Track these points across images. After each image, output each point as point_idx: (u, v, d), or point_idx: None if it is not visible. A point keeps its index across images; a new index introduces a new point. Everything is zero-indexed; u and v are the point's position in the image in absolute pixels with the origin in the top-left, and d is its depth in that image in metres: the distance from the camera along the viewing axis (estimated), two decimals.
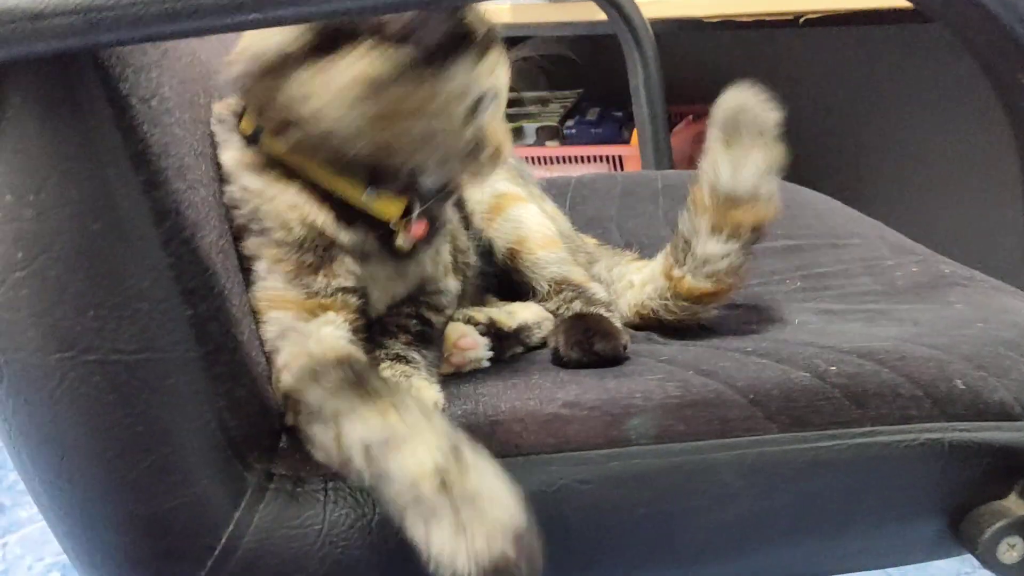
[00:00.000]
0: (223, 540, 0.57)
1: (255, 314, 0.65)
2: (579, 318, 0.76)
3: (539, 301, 0.84)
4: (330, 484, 0.59)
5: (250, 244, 0.65)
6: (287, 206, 0.64)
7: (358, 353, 0.64)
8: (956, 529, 0.65)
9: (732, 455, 0.62)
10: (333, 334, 0.65)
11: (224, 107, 0.68)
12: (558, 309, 0.82)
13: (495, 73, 0.67)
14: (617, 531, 0.61)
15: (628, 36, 1.45)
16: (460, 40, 0.62)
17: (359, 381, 0.56)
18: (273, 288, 0.65)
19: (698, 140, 1.90)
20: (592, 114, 1.90)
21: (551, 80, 2.03)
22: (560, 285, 0.84)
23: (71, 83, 0.52)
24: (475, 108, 0.65)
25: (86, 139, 0.53)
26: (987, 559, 0.63)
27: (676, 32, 1.68)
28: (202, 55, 0.73)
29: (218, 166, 0.65)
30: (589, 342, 0.71)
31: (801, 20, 1.54)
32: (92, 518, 0.57)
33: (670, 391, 0.65)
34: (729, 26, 1.65)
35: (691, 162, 1.89)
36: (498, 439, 0.61)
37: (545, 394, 0.66)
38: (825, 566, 0.71)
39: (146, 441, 0.55)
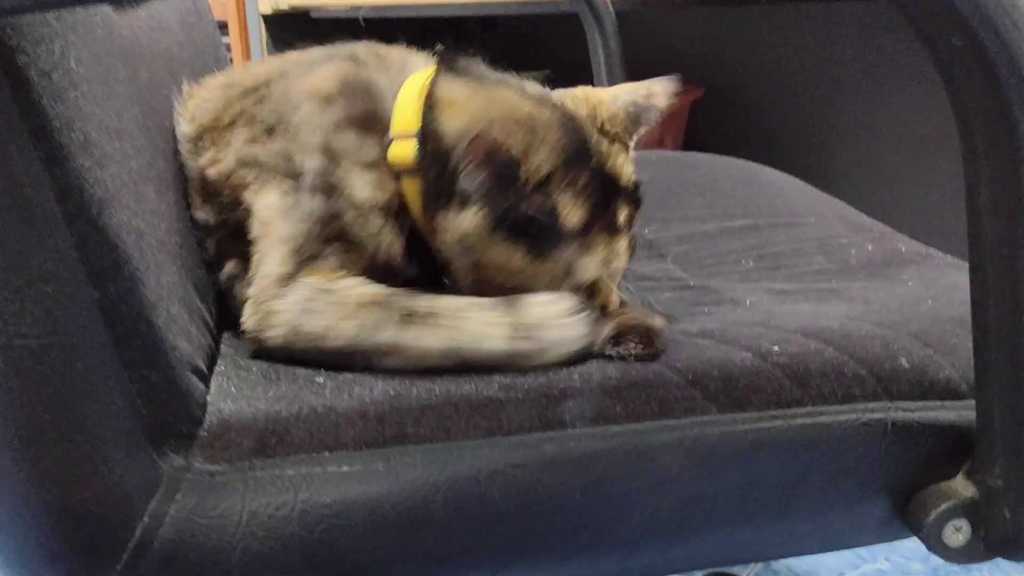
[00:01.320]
0: (138, 532, 0.54)
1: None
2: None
3: None
4: (250, 473, 0.57)
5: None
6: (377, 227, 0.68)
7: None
8: (902, 511, 0.63)
9: (671, 437, 0.60)
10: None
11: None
12: None
13: (616, 258, 0.69)
14: (554, 517, 0.59)
15: (588, 15, 1.43)
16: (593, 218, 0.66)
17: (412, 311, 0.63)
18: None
19: (667, 121, 1.89)
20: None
21: (517, 60, 2.01)
22: None
23: None
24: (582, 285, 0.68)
25: None
26: (932, 542, 0.61)
27: (641, 11, 1.67)
28: (124, 31, 0.70)
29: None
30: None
31: None
32: (2, 510, 0.54)
33: (608, 372, 0.63)
34: (693, 3, 1.64)
35: (660, 143, 1.87)
36: (427, 424, 0.59)
37: (483, 378, 0.64)
38: (772, 549, 0.69)
39: (54, 429, 0.53)
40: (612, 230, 0.69)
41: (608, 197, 0.68)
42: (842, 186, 1.21)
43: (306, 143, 0.68)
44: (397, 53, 0.76)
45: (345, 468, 0.57)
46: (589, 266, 0.68)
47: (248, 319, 0.68)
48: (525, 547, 0.60)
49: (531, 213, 0.64)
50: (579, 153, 0.65)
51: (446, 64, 0.69)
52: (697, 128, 1.97)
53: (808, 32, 1.90)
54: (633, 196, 0.71)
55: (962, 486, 0.61)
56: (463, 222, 0.65)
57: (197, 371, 0.61)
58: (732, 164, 1.28)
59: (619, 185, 0.70)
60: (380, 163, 0.68)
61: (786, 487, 0.61)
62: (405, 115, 0.67)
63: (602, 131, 0.71)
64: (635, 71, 1.51)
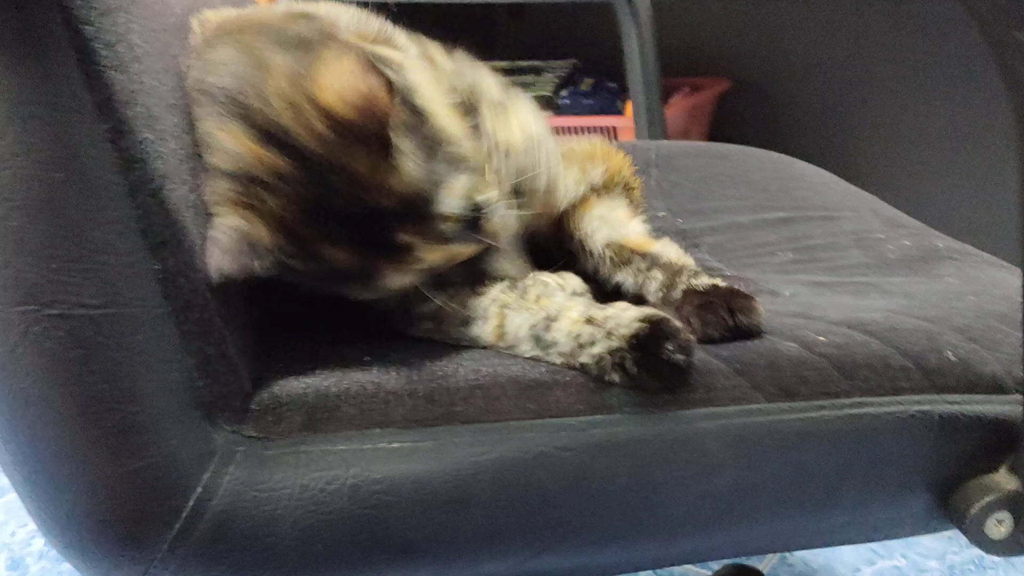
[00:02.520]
0: (191, 503, 0.55)
1: None
2: (702, 294, 0.70)
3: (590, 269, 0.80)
4: (302, 447, 0.57)
5: None
6: None
7: None
8: (944, 504, 0.63)
9: (717, 424, 0.60)
10: None
11: None
12: (627, 281, 0.78)
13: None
14: (598, 501, 0.60)
15: (624, 5, 1.43)
16: None
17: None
18: None
19: (693, 113, 1.89)
20: (586, 85, 1.88)
21: (545, 49, 2.01)
22: (620, 252, 0.79)
23: (33, 25, 0.50)
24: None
25: (48, 84, 0.50)
26: (974, 534, 0.61)
27: (669, 2, 1.66)
28: (176, 7, 0.70)
29: None
30: (732, 319, 0.67)
31: None
32: (55, 478, 0.55)
33: None
34: None
35: (686, 135, 1.87)
36: (476, 404, 0.60)
37: (529, 360, 0.65)
38: (812, 539, 0.70)
39: (111, 399, 0.53)
40: (391, 254, 0.63)
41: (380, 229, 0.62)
42: (870, 181, 1.21)
43: None
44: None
45: (395, 445, 0.58)
46: (387, 285, 0.64)
47: None
48: (568, 530, 0.60)
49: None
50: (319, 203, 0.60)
51: None
52: (723, 120, 1.96)
53: (837, 25, 1.90)
54: (413, 214, 0.62)
55: (1005, 480, 0.62)
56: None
57: (249, 346, 0.62)
58: (764, 156, 1.28)
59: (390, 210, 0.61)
60: None
61: (830, 478, 0.62)
62: None
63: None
64: (665, 64, 1.52)
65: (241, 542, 0.56)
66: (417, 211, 0.60)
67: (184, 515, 0.55)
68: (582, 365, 0.63)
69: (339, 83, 0.57)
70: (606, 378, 0.62)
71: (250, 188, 0.58)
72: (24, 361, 0.52)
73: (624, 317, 0.62)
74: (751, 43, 1.97)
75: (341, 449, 0.57)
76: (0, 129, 0.50)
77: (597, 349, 0.62)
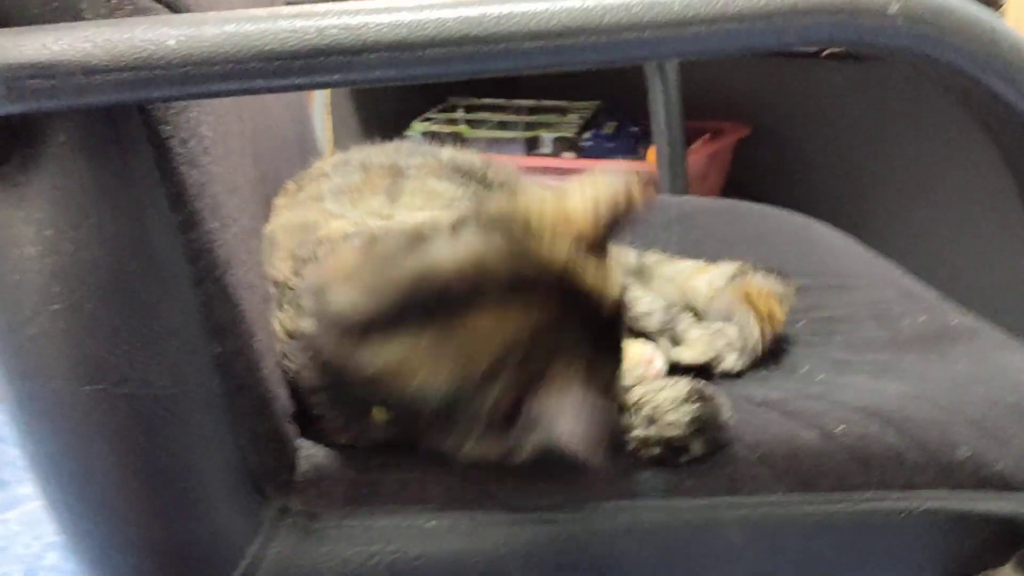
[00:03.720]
0: (239, 572, 0.58)
1: None
2: None
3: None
4: (345, 521, 0.60)
5: None
6: None
7: None
8: None
9: (738, 514, 0.63)
10: None
11: None
12: None
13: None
14: None
15: None
16: None
17: None
18: None
19: (714, 159, 1.91)
20: (609, 127, 1.90)
21: (569, 90, 2.03)
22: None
23: (115, 124, 0.53)
24: None
25: (126, 178, 0.54)
26: None
27: None
28: None
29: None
30: None
31: (824, 53, 1.55)
32: (110, 543, 0.58)
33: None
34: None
35: (705, 179, 1.90)
36: (507, 486, 0.62)
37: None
38: None
39: (169, 473, 0.57)
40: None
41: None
42: (883, 237, 1.23)
43: None
44: None
45: (433, 523, 0.61)
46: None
47: None
48: None
49: None
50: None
51: None
52: (741, 166, 1.99)
53: (858, 84, 1.91)
54: (619, 316, 0.68)
55: (1010, 575, 0.64)
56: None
57: (291, 420, 0.65)
58: (783, 217, 1.30)
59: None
60: None
61: (844, 568, 0.64)
62: None
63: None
64: (687, 107, 1.54)
65: None
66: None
67: None
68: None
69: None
70: (649, 453, 0.64)
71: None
72: (90, 435, 0.56)
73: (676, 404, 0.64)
74: (773, 90, 1.99)
75: (382, 525, 0.60)
76: (80, 219, 0.53)
77: (643, 434, 0.64)
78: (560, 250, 0.62)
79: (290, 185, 0.85)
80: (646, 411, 0.65)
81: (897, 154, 1.94)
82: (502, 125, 1.93)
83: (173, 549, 0.57)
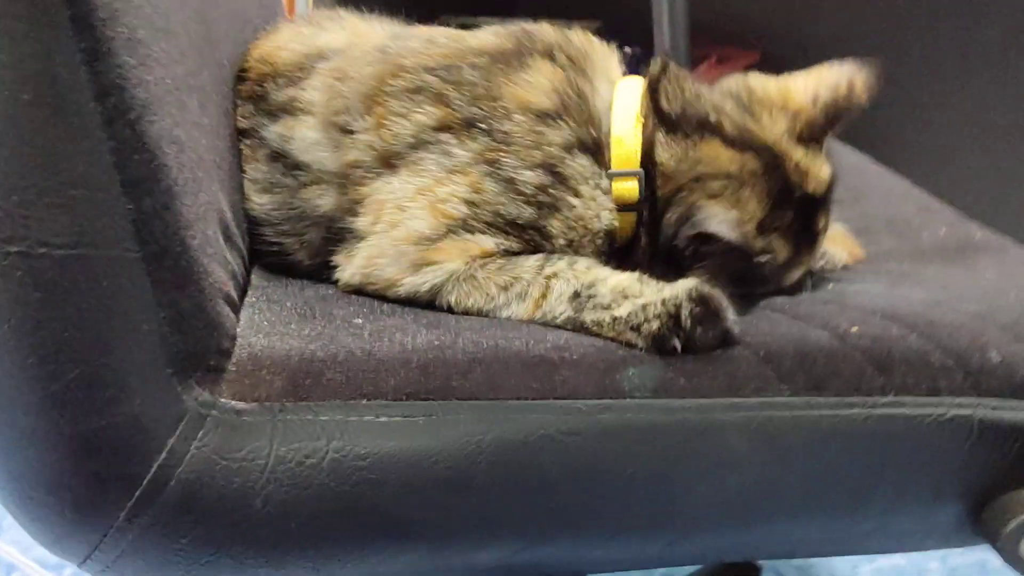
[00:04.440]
0: (153, 469, 0.50)
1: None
2: None
3: None
4: (280, 415, 0.52)
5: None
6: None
7: None
8: (977, 517, 0.58)
9: (738, 417, 0.55)
10: None
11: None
12: None
13: (814, 259, 0.72)
14: (605, 491, 0.55)
15: None
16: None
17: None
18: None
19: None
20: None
21: (569, 9, 1.94)
22: None
23: None
24: None
25: None
26: (1009, 553, 0.57)
27: None
28: None
29: None
30: None
31: None
32: (7, 432, 0.50)
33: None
34: None
35: None
36: (475, 379, 0.54)
37: (534, 335, 0.59)
38: (832, 546, 0.65)
39: (75, 349, 0.48)
40: (812, 241, 0.70)
41: (809, 216, 0.69)
42: (899, 165, 1.15)
43: (526, 157, 0.66)
44: (585, 49, 0.73)
45: (383, 419, 0.53)
46: (793, 277, 0.70)
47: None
48: (571, 521, 0.56)
49: (746, 267, 0.66)
50: (782, 193, 0.67)
51: (653, 98, 0.69)
52: None
53: (869, 10, 1.83)
54: (827, 201, 0.71)
55: None
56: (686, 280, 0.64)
57: (229, 300, 0.57)
58: None
59: (816, 197, 0.70)
60: (609, 191, 0.67)
61: (858, 481, 0.57)
62: (624, 151, 0.68)
63: (800, 139, 0.70)
64: (692, 31, 1.46)
65: (208, 515, 0.51)
66: (828, 200, 0.71)
67: (145, 482, 0.50)
68: (614, 320, 0.59)
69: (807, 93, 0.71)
70: (643, 329, 0.58)
71: (731, 185, 0.66)
72: None
73: (682, 283, 0.60)
74: (783, 16, 1.90)
75: (324, 419, 0.52)
76: None
77: (645, 300, 0.59)
78: (775, 125, 0.69)
79: None
80: (651, 284, 0.62)
81: (909, 78, 1.86)
82: None
83: (81, 440, 0.49)
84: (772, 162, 0.67)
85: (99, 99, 0.47)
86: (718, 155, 0.67)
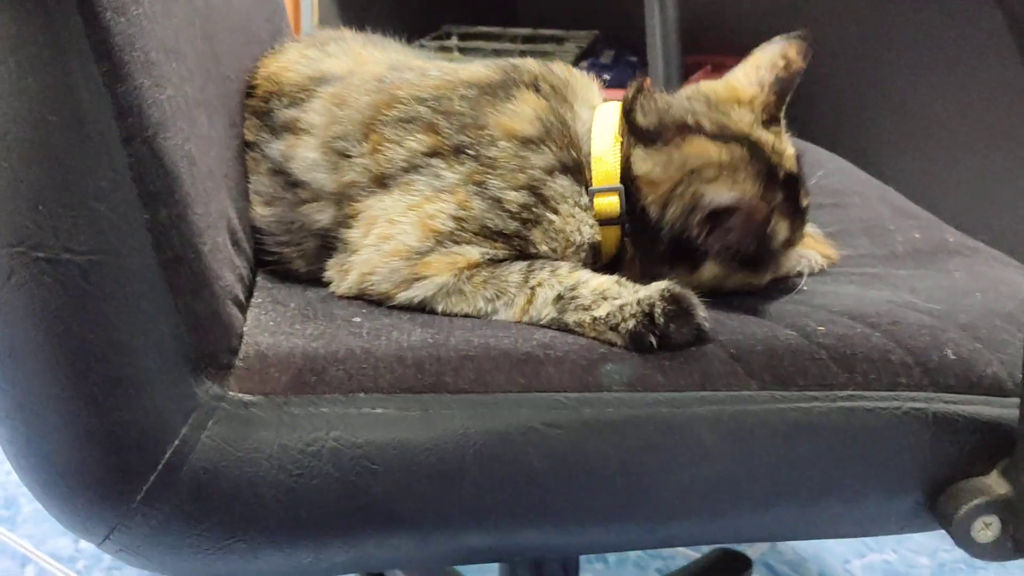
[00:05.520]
0: (167, 456, 0.54)
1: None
2: None
3: None
4: (284, 408, 0.56)
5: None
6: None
7: None
8: (933, 503, 0.62)
9: (710, 410, 0.59)
10: None
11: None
12: None
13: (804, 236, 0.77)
14: (586, 481, 0.59)
15: None
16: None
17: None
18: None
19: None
20: (606, 57, 1.85)
21: (567, 18, 1.98)
22: None
23: None
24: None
25: (47, 24, 0.49)
26: (960, 536, 0.60)
27: None
28: None
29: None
30: None
31: None
32: (35, 424, 0.54)
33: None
34: None
35: None
36: (466, 375, 0.59)
37: (522, 333, 0.64)
38: (800, 530, 0.69)
39: (97, 349, 0.53)
40: (802, 219, 0.75)
41: (793, 192, 0.73)
42: (882, 168, 1.19)
43: (511, 179, 0.71)
44: (567, 79, 0.78)
45: (380, 411, 0.57)
46: (792, 258, 0.75)
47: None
48: (553, 509, 0.60)
49: (756, 247, 0.70)
50: (769, 173, 0.70)
51: (628, 118, 0.74)
52: None
53: (859, 8, 1.86)
54: (803, 178, 0.76)
55: (996, 483, 0.61)
56: (701, 275, 0.70)
57: (237, 301, 0.61)
58: None
59: (795, 175, 0.74)
60: (590, 208, 0.72)
61: (821, 471, 0.61)
62: (604, 169, 0.72)
63: (764, 124, 0.75)
64: (687, 40, 1.49)
65: (220, 502, 0.55)
66: (803, 177, 0.75)
67: (160, 468, 0.54)
68: (594, 320, 0.63)
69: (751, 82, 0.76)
70: (621, 328, 0.62)
71: (725, 171, 0.69)
72: (10, 302, 0.52)
73: (655, 284, 0.65)
74: (773, 23, 1.93)
75: (324, 411, 0.57)
76: None
77: (622, 301, 0.63)
78: (742, 118, 0.73)
79: None
80: (628, 286, 0.66)
81: (897, 84, 1.89)
82: (497, 54, 1.87)
83: (102, 433, 0.54)
84: (753, 148, 0.71)
85: (118, 119, 0.51)
86: (705, 149, 0.71)
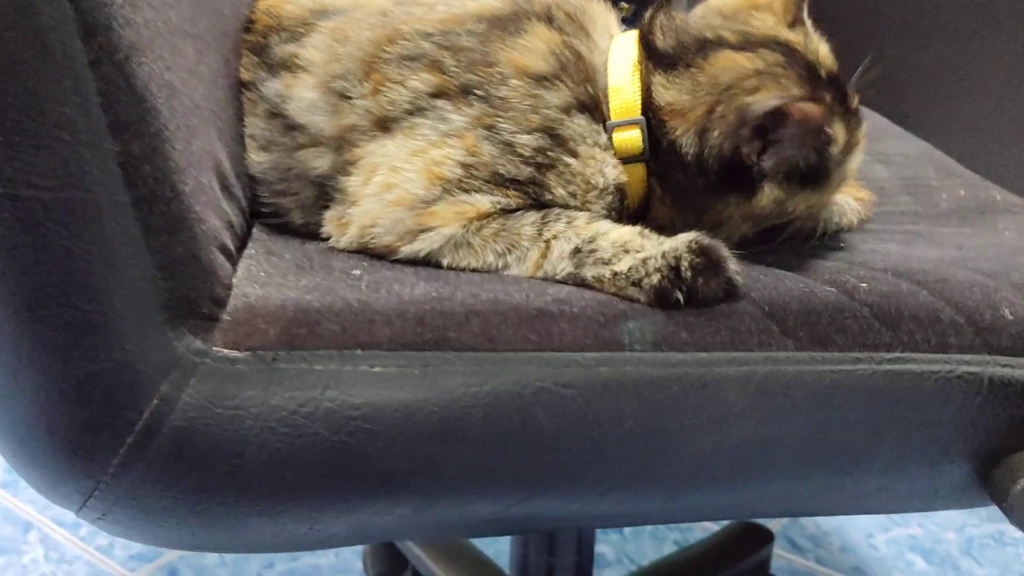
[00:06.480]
0: (146, 415, 0.49)
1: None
2: None
3: None
4: (274, 364, 0.51)
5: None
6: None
7: None
8: (985, 477, 0.57)
9: (739, 371, 0.54)
10: None
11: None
12: None
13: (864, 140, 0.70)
14: (601, 445, 0.54)
15: None
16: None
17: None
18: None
19: None
20: (626, 10, 1.78)
21: None
22: None
23: None
24: None
25: None
26: (1016, 512, 0.55)
27: None
28: None
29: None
30: None
31: None
32: (2, 376, 0.50)
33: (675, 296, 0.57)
34: None
35: None
36: (471, 330, 0.54)
37: (535, 288, 0.59)
38: (836, 505, 0.64)
39: (64, 293, 0.48)
40: (858, 120, 0.69)
41: (841, 92, 0.67)
42: (923, 128, 1.13)
43: (524, 121, 0.65)
44: (583, 6, 0.72)
45: (378, 369, 0.52)
46: (855, 163, 0.69)
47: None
48: (565, 474, 0.55)
49: (816, 156, 0.64)
50: (810, 71, 0.65)
51: (646, 43, 0.68)
52: None
53: None
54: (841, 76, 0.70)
55: None
56: (760, 201, 0.64)
57: (224, 249, 0.56)
58: None
59: (837, 73, 0.68)
60: (610, 146, 0.66)
61: (862, 438, 0.55)
62: (622, 100, 0.66)
63: (790, 26, 0.69)
64: None
65: (202, 462, 0.50)
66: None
67: (138, 428, 0.49)
68: (615, 275, 0.58)
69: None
70: (644, 283, 0.57)
71: (765, 78, 0.64)
72: None
73: (682, 235, 0.60)
74: None
75: (318, 369, 0.52)
76: None
77: (646, 254, 0.58)
78: (764, 22, 0.68)
79: None
80: (652, 237, 0.61)
81: (938, 40, 1.82)
82: None
83: (72, 385, 0.49)
84: (787, 50, 0.66)
85: (85, 38, 0.46)
86: (735, 61, 0.65)
